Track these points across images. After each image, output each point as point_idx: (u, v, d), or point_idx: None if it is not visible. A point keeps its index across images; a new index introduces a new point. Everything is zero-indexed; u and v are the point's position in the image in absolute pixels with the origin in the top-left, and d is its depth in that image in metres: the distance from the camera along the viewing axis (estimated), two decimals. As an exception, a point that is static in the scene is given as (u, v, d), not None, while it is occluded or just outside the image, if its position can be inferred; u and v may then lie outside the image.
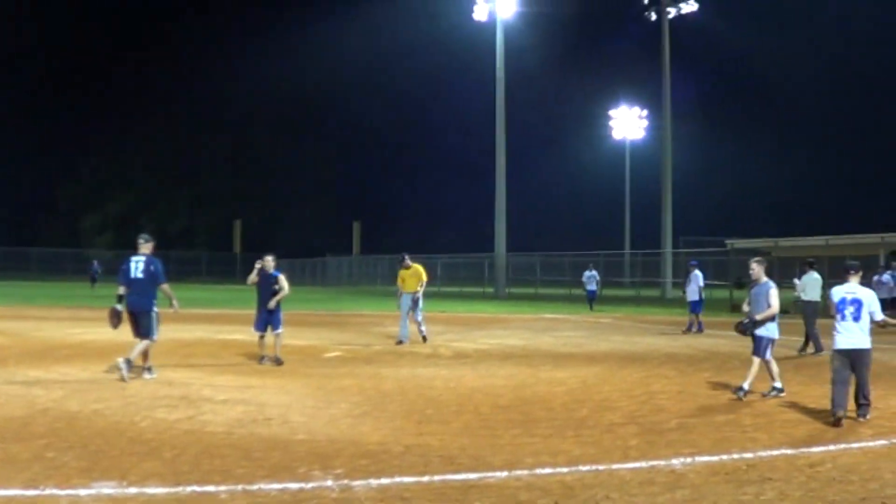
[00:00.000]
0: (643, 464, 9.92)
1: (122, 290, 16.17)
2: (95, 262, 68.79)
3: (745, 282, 43.77)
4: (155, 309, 16.32)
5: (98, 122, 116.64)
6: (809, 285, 23.44)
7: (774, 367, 15.24)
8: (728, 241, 51.30)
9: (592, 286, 46.19)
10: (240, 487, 8.66)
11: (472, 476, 9.23)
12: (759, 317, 15.10)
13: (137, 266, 16.09)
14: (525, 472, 9.43)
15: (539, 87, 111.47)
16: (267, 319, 19.30)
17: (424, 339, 24.74)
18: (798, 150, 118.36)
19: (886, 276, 35.18)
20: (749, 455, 10.42)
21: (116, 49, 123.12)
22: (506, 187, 66.64)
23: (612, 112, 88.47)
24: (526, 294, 62.43)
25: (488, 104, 69.83)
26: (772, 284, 15.36)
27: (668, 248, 66.53)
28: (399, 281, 24.91)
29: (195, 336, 25.15)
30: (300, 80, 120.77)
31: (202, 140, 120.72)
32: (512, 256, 68.77)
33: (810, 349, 23.13)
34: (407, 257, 24.83)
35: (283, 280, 19.33)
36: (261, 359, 19.25)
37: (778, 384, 15.14)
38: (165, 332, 26.31)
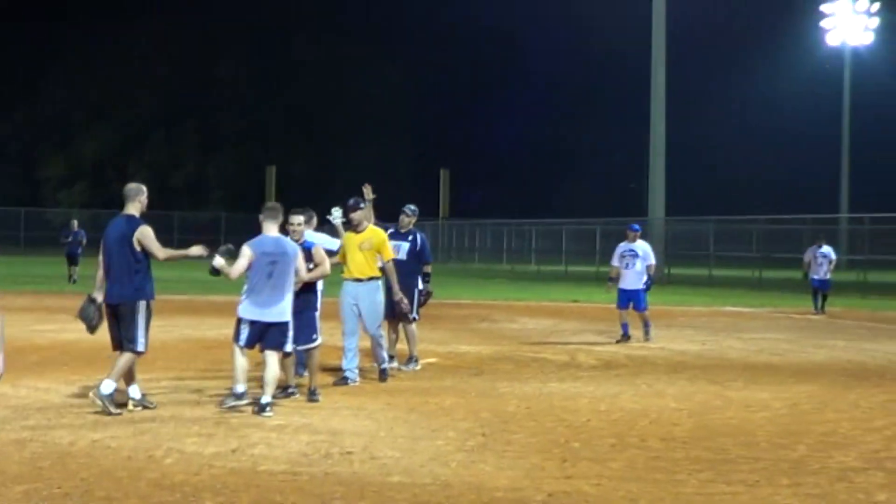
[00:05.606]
0: (899, 529, 9.96)
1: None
2: (75, 223, 52.50)
3: None
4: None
5: (64, 24, 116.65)
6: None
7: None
8: None
9: (823, 272, 39.08)
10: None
11: (651, 540, 9.37)
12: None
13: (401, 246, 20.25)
14: (727, 535, 9.52)
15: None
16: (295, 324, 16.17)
17: (383, 374, 19.37)
18: None
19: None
20: None
21: None
22: (665, 128, 65.94)
23: (824, 7, 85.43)
24: (695, 276, 61.72)
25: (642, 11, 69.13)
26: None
27: (909, 211, 65.46)
28: (339, 255, 18.86)
29: (222, 333, 24.93)
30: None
31: (214, 49, 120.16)
32: (674, 222, 68.04)
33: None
34: (363, 204, 18.85)
35: (320, 254, 16.63)
36: (285, 389, 16.55)
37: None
38: (179, 331, 26.76)
